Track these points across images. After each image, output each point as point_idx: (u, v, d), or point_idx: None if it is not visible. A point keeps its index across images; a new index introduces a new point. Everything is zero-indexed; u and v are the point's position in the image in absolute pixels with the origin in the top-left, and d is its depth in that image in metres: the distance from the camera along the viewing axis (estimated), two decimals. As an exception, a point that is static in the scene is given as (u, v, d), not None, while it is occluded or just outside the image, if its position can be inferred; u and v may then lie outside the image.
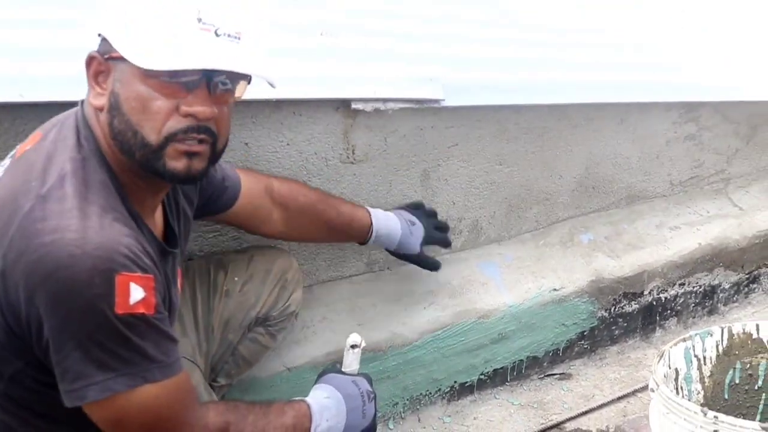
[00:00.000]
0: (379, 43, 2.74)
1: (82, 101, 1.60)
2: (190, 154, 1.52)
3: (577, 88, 3.02)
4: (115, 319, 1.37)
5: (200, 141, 1.52)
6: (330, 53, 2.60)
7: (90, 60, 1.51)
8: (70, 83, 2.11)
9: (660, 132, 3.33)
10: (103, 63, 1.50)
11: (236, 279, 2.18)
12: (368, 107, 2.45)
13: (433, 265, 2.54)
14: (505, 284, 2.84)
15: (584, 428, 2.65)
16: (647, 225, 3.28)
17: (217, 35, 1.48)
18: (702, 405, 1.75)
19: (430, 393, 2.67)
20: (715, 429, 1.47)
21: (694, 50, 3.77)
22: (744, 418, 1.54)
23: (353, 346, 1.99)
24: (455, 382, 2.71)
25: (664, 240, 3.23)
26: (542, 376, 2.89)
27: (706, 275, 3.28)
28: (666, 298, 3.18)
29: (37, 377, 1.48)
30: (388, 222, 2.37)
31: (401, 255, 2.44)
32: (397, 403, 2.60)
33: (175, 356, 1.49)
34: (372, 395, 1.91)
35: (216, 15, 1.49)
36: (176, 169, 1.52)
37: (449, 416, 2.67)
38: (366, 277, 2.70)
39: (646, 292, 3.12)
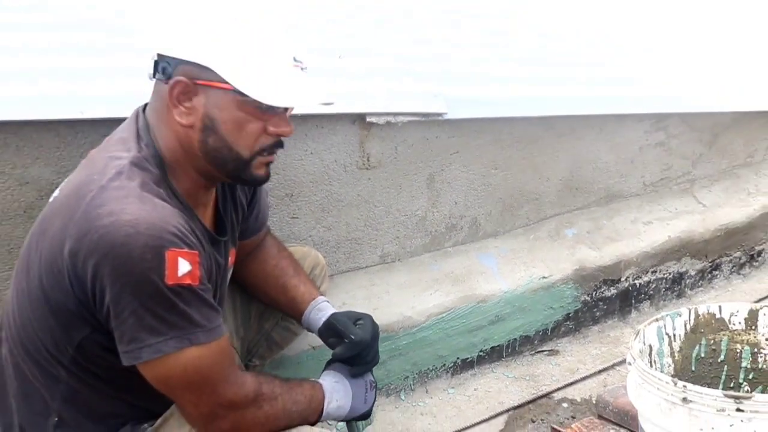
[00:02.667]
0: (389, 63, 2.76)
1: (143, 110, 1.63)
2: (269, 163, 1.65)
3: (562, 102, 3.03)
4: (165, 289, 1.40)
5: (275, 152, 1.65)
6: (347, 73, 2.61)
7: (176, 83, 1.52)
8: (123, 101, 2.14)
9: (634, 140, 3.33)
10: (191, 87, 1.52)
11: None
12: (381, 120, 2.47)
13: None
14: (500, 273, 2.84)
15: (570, 397, 2.65)
16: (623, 220, 3.28)
17: (302, 70, 1.60)
18: (673, 376, 1.75)
19: (436, 368, 2.68)
20: (684, 396, 1.47)
21: (663, 68, 3.78)
22: (709, 387, 1.55)
23: None
24: (458, 358, 2.72)
25: (638, 233, 3.23)
26: (533, 352, 2.90)
27: (675, 264, 3.28)
28: (640, 284, 3.18)
29: (101, 342, 1.50)
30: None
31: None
32: (407, 377, 2.61)
33: (217, 322, 1.50)
34: (374, 384, 1.90)
35: (301, 53, 1.60)
36: (260, 176, 1.64)
37: (453, 388, 2.68)
38: (379, 268, 2.71)
39: (623, 279, 3.12)
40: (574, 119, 3.04)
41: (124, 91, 2.19)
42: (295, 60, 1.59)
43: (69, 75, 2.22)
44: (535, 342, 2.91)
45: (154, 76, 1.58)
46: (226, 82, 1.52)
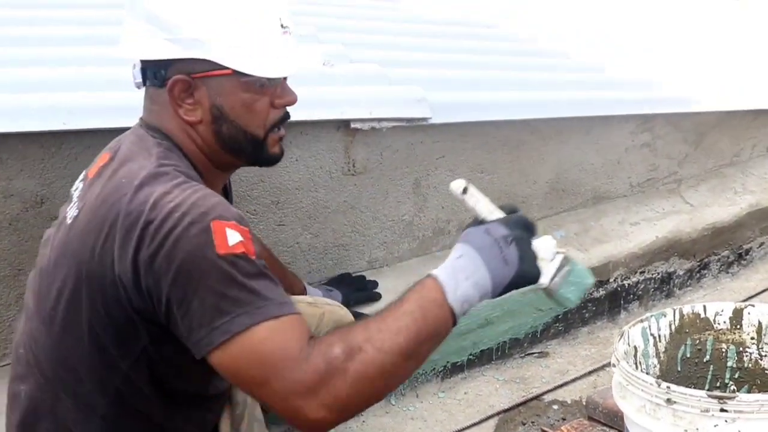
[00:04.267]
0: (372, 70, 2.76)
1: (142, 126, 1.57)
2: (281, 139, 1.61)
3: (548, 105, 3.03)
4: (218, 260, 1.29)
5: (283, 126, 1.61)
6: (331, 80, 2.61)
7: (174, 83, 1.47)
8: (107, 112, 2.14)
9: (620, 141, 3.33)
10: (189, 82, 1.48)
11: None
12: (365, 126, 2.47)
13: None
14: (488, 276, 2.83)
15: (560, 399, 2.64)
16: (611, 222, 3.28)
17: (289, 35, 1.55)
18: (658, 377, 1.75)
19: (426, 372, 2.67)
20: (668, 397, 1.47)
21: (647, 70, 3.79)
22: (695, 388, 1.55)
23: (464, 191, 1.51)
24: (448, 362, 2.71)
25: (626, 234, 3.23)
26: (523, 355, 2.89)
27: (663, 264, 3.28)
28: (629, 284, 3.18)
29: (155, 359, 1.43)
30: (310, 292, 2.24)
31: None
32: (397, 382, 2.60)
33: (286, 298, 1.35)
34: (510, 238, 1.38)
35: (286, 17, 1.55)
36: (276, 153, 1.61)
37: (443, 392, 2.67)
38: (368, 273, 2.70)
39: (611, 280, 3.11)
40: (560, 122, 3.04)
41: (108, 102, 2.19)
42: (282, 27, 1.55)
43: (52, 86, 2.21)
44: (525, 344, 2.90)
45: (144, 84, 1.54)
46: (224, 68, 1.47)
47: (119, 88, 2.26)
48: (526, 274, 1.39)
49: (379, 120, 2.50)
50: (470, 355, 2.76)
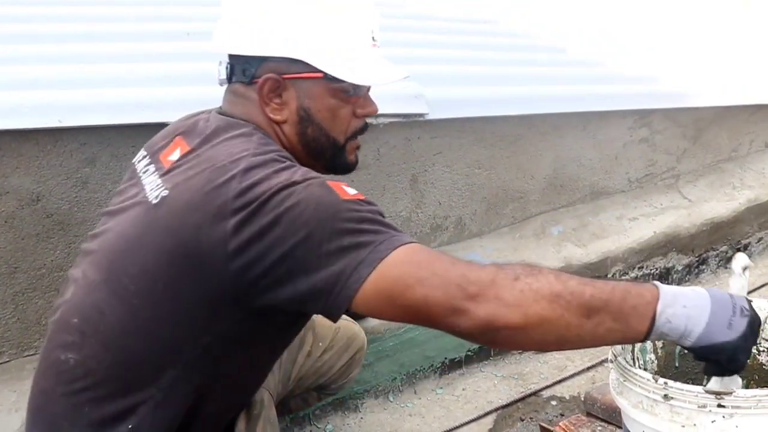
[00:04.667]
0: (375, 32, 2.76)
1: (219, 110, 1.60)
2: (358, 147, 1.65)
3: (545, 100, 3.03)
4: (345, 203, 1.31)
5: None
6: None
7: (265, 81, 1.51)
8: (102, 109, 2.13)
9: (618, 136, 3.32)
10: (280, 82, 1.51)
11: (320, 344, 2.07)
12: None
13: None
14: (486, 272, 2.83)
15: (558, 395, 2.64)
16: (609, 217, 3.27)
17: (378, 48, 1.60)
18: (656, 373, 1.75)
19: (424, 368, 2.66)
20: (665, 393, 1.46)
21: (646, 65, 3.79)
22: (692, 383, 1.54)
23: (744, 269, 1.46)
24: (446, 358, 2.71)
25: (624, 230, 3.23)
26: (521, 350, 2.89)
27: (661, 259, 3.28)
28: (627, 280, 3.18)
29: (238, 335, 1.43)
30: None
31: None
32: (395, 378, 2.60)
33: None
34: (747, 313, 1.32)
35: (377, 31, 1.61)
36: (352, 161, 1.65)
37: (441, 388, 2.67)
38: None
39: (609, 276, 3.11)
40: (557, 117, 3.04)
41: (103, 100, 2.19)
42: (373, 39, 1.60)
43: (48, 84, 2.21)
44: (522, 340, 2.90)
45: (230, 81, 1.57)
46: (316, 71, 1.51)
47: (115, 86, 2.27)
48: (738, 353, 1.33)
49: (376, 116, 2.49)
50: (468, 351, 2.75)
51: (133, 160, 1.67)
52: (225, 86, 1.61)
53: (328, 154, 1.60)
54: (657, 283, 1.33)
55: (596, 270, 3.04)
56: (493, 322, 1.25)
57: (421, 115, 2.57)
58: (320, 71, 1.51)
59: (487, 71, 3.15)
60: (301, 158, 1.56)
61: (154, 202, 1.45)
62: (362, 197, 1.35)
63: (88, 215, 2.16)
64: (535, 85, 3.12)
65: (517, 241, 3.02)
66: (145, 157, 1.64)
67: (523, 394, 2.63)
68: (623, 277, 3.15)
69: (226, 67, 1.57)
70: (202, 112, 1.66)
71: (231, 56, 1.56)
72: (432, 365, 2.67)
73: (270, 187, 1.32)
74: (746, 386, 1.92)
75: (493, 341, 1.31)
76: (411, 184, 2.71)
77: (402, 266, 1.26)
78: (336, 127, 1.59)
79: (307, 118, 1.56)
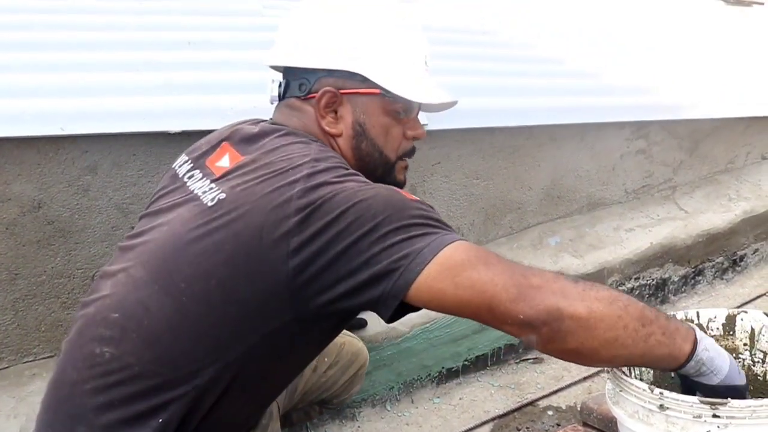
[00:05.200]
0: (428, 59, 2.77)
1: (267, 120, 1.65)
2: (406, 167, 1.70)
3: (543, 111, 3.04)
4: (412, 202, 1.33)
5: None
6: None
7: (323, 94, 1.55)
8: (104, 117, 2.15)
9: (615, 147, 3.34)
10: (337, 96, 1.56)
11: (326, 360, 2.08)
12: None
13: (359, 325, 2.47)
14: (484, 282, 2.84)
15: (555, 405, 2.65)
16: (606, 228, 3.29)
17: (429, 73, 1.68)
18: (652, 383, 1.75)
19: (422, 378, 2.67)
20: (661, 403, 1.47)
21: (643, 76, 3.80)
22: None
23: None
24: (443, 367, 2.72)
25: (621, 241, 3.24)
26: (518, 360, 2.90)
27: (658, 270, 3.29)
28: (624, 290, 3.18)
29: (283, 339, 1.44)
30: None
31: None
32: (392, 387, 2.61)
33: None
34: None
35: (429, 57, 1.68)
36: (401, 181, 1.68)
37: (438, 397, 2.68)
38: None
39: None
40: (555, 128, 3.06)
41: (105, 108, 2.20)
42: (426, 64, 1.66)
43: (49, 92, 2.22)
44: (520, 350, 2.91)
45: (280, 99, 1.62)
46: (374, 88, 1.56)
47: (117, 94, 2.28)
48: (745, 395, 1.47)
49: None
50: (465, 360, 2.76)
51: (174, 165, 1.68)
52: (275, 103, 1.66)
53: (379, 170, 1.64)
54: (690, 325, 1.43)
55: (593, 280, 3.04)
56: (559, 309, 1.26)
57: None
58: (378, 87, 1.57)
59: (486, 82, 3.16)
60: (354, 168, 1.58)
61: (210, 204, 1.46)
62: (425, 203, 1.37)
63: (89, 223, 2.17)
64: (534, 97, 3.13)
65: (515, 251, 3.04)
66: (186, 162, 1.65)
67: (519, 404, 2.64)
68: (620, 287, 3.16)
69: (280, 84, 1.62)
70: (246, 122, 1.68)
71: (287, 73, 1.61)
72: (429, 375, 2.68)
73: (335, 189, 1.34)
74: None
75: (554, 334, 1.28)
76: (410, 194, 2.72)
77: (468, 251, 1.28)
78: (388, 144, 1.63)
79: (362, 133, 1.60)
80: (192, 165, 1.63)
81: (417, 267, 1.26)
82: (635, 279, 3.23)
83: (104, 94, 2.27)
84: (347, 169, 1.44)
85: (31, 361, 2.17)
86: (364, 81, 1.57)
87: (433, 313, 2.62)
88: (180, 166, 1.66)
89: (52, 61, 2.46)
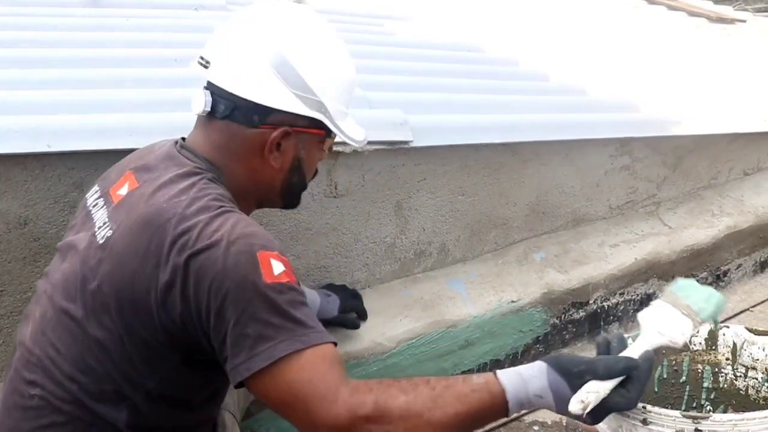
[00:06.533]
0: (356, 93, 2.79)
1: (180, 142, 1.68)
2: None
3: (527, 127, 3.06)
4: (265, 289, 1.37)
5: None
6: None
7: (282, 133, 1.62)
8: (91, 134, 2.15)
9: (599, 164, 3.37)
10: (289, 134, 1.63)
11: None
12: (348, 149, 2.48)
13: (352, 324, 2.48)
14: (469, 298, 2.86)
15: (540, 420, 2.67)
16: (591, 244, 3.31)
17: None
18: (636, 397, 1.78)
19: (407, 393, 2.67)
20: (644, 417, 1.49)
21: (627, 93, 3.84)
22: (671, 408, 1.57)
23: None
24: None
25: (605, 256, 3.26)
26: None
27: (642, 285, 3.32)
28: (608, 306, 3.22)
29: (187, 371, 1.52)
30: (309, 295, 2.30)
31: (323, 320, 2.09)
32: (378, 403, 2.61)
33: (322, 327, 1.43)
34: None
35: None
36: (299, 201, 1.83)
37: (424, 413, 2.68)
38: (350, 295, 2.72)
39: (591, 302, 3.15)
40: (539, 145, 3.08)
41: (92, 125, 2.20)
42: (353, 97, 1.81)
43: (36, 109, 2.23)
44: (506, 366, 2.91)
45: (212, 113, 1.62)
46: (322, 128, 1.66)
47: (103, 111, 2.29)
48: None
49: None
50: (451, 376, 2.77)
51: (86, 195, 1.72)
52: (200, 116, 1.65)
53: (295, 197, 1.79)
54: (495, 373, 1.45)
55: (578, 296, 3.08)
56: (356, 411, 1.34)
57: (405, 142, 2.60)
58: (327, 129, 1.66)
59: (472, 99, 3.18)
60: (268, 199, 1.74)
61: (101, 242, 1.52)
62: (285, 280, 1.41)
63: (75, 239, 2.18)
64: (519, 113, 3.16)
65: (500, 266, 3.05)
66: (96, 191, 1.69)
67: (505, 420, 2.64)
68: (605, 303, 3.19)
69: (214, 100, 1.61)
70: (161, 143, 1.72)
71: (228, 94, 1.60)
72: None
73: (202, 245, 1.40)
74: (724, 411, 1.96)
75: None
76: (395, 210, 2.74)
77: (289, 379, 1.36)
78: (310, 173, 1.76)
79: (298, 168, 1.69)
80: (99, 194, 1.69)
81: (247, 372, 1.37)
82: (620, 294, 3.25)
83: (91, 111, 2.28)
84: (219, 207, 1.48)
85: (16, 378, 2.16)
86: (311, 120, 1.63)
87: (418, 329, 2.65)
88: (91, 195, 1.71)
89: (39, 78, 2.47)
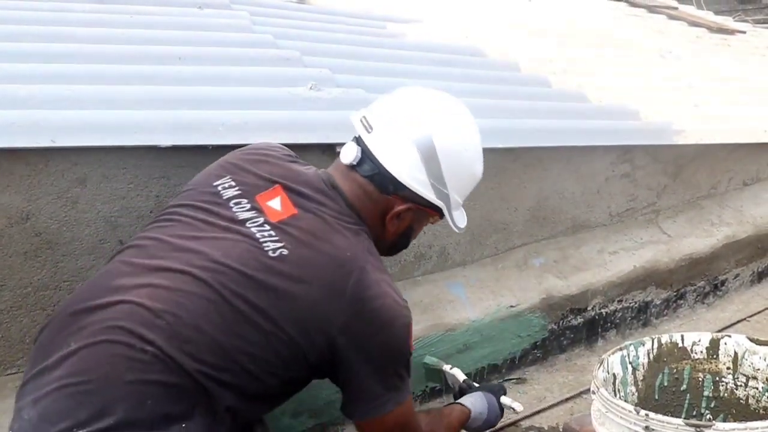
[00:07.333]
0: (358, 95, 2.79)
1: (323, 179, 1.89)
2: None
3: (530, 133, 3.07)
4: (408, 354, 1.81)
5: None
6: (316, 105, 2.64)
7: (408, 208, 1.89)
8: (94, 130, 2.15)
9: (600, 171, 3.37)
10: (412, 209, 1.89)
11: None
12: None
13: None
14: (469, 302, 2.86)
15: (537, 425, 2.66)
16: (590, 250, 3.31)
17: None
18: (636, 405, 1.77)
19: (405, 396, 2.67)
20: (646, 425, 1.49)
21: (629, 100, 3.85)
22: (671, 416, 1.57)
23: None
24: (426, 386, 2.72)
25: (605, 263, 3.27)
26: (501, 380, 2.90)
27: (641, 293, 3.32)
28: (606, 312, 3.22)
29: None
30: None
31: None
32: (376, 405, 2.60)
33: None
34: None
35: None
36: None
37: (421, 416, 2.68)
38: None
39: (589, 308, 3.15)
40: (541, 150, 3.08)
41: (96, 120, 2.20)
42: None
43: (40, 104, 2.22)
44: (503, 370, 2.92)
45: (355, 168, 1.86)
46: (437, 211, 1.92)
47: (107, 107, 2.29)
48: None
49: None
50: (449, 380, 2.76)
51: (215, 183, 1.82)
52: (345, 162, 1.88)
53: (397, 252, 2.11)
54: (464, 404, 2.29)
55: (577, 302, 3.08)
56: None
57: (408, 144, 2.60)
58: (440, 211, 1.92)
59: (474, 103, 3.17)
60: (382, 249, 1.93)
61: (272, 255, 1.68)
62: (413, 349, 1.83)
63: (77, 235, 2.17)
64: (521, 119, 3.16)
65: (500, 271, 3.05)
66: (232, 186, 1.81)
67: (502, 424, 2.63)
68: (603, 309, 3.19)
69: (360, 156, 1.85)
70: (295, 160, 1.96)
71: (377, 160, 1.83)
72: (413, 394, 2.67)
73: (377, 306, 1.72)
74: (724, 420, 1.96)
75: None
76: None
77: (401, 420, 1.85)
78: (415, 237, 2.05)
79: (406, 234, 1.98)
80: (239, 192, 1.80)
81: (378, 412, 1.79)
82: (618, 301, 3.25)
83: (95, 107, 2.27)
84: (387, 276, 1.81)
85: (14, 374, 2.15)
86: (435, 205, 1.89)
87: (417, 332, 2.63)
88: (224, 187, 1.81)
89: (43, 73, 2.46)
